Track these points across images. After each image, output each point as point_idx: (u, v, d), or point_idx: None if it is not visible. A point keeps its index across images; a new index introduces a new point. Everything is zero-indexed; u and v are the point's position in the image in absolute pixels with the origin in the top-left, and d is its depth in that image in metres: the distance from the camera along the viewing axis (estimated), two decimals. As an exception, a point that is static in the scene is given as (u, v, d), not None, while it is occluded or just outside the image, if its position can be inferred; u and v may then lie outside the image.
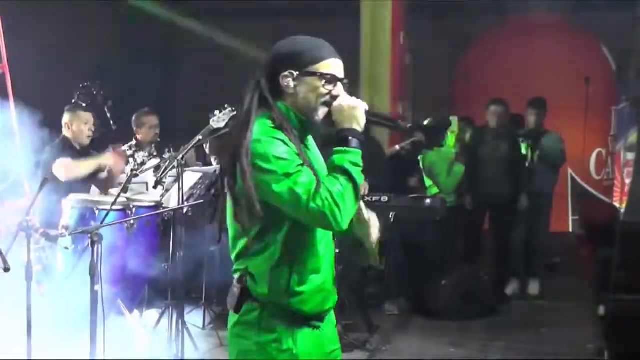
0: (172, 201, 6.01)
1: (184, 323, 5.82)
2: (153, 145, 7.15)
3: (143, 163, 6.05)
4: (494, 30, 11.02)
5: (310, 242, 2.76)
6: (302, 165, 2.59)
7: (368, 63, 9.51)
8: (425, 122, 8.20)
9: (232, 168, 2.64)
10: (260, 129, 2.64)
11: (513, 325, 7.39)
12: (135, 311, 6.49)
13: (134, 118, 7.31)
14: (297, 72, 2.68)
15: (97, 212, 5.98)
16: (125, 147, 7.12)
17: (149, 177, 6.24)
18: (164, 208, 6.06)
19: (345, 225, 2.57)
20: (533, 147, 8.39)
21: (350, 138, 2.64)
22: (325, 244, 2.83)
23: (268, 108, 2.70)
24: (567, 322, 7.36)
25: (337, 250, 6.76)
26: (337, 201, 2.53)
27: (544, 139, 8.44)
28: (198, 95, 9.17)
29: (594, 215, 9.11)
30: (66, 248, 5.54)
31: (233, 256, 2.81)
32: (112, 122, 7.56)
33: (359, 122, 2.68)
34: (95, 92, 7.32)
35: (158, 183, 5.90)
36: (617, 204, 6.64)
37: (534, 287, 8.55)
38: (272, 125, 2.66)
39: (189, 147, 5.94)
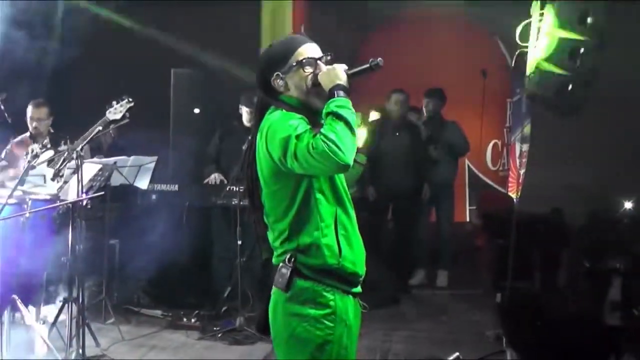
0: (70, 193, 5.90)
1: (84, 318, 5.74)
2: (47, 137, 6.97)
3: (37, 155, 5.91)
4: (393, 22, 11.16)
5: (344, 206, 3.09)
6: (307, 129, 2.90)
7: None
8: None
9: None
10: (274, 116, 3.02)
11: (416, 314, 7.56)
12: (32, 307, 6.36)
13: (27, 109, 7.10)
14: (281, 72, 3.08)
15: (-10, 205, 5.83)
16: (18, 139, 6.96)
17: (47, 169, 6.12)
18: (61, 200, 5.95)
19: (350, 160, 2.84)
20: (433, 137, 8.57)
21: (335, 91, 2.98)
22: (352, 210, 3.14)
23: (275, 104, 3.09)
24: (469, 311, 7.55)
25: (239, 242, 6.84)
26: (333, 140, 2.81)
27: (444, 128, 8.63)
28: (97, 85, 8.96)
29: (489, 205, 9.35)
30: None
31: (276, 241, 3.06)
32: (6, 115, 7.36)
33: (340, 78, 3.02)
34: None
35: (56, 175, 5.79)
36: (512, 195, 6.82)
37: (442, 279, 8.72)
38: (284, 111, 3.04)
39: (88, 139, 5.85)
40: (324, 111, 2.94)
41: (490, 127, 10.22)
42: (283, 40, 3.19)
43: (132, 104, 6.11)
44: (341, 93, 2.98)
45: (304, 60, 3.08)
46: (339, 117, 2.88)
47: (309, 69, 3.09)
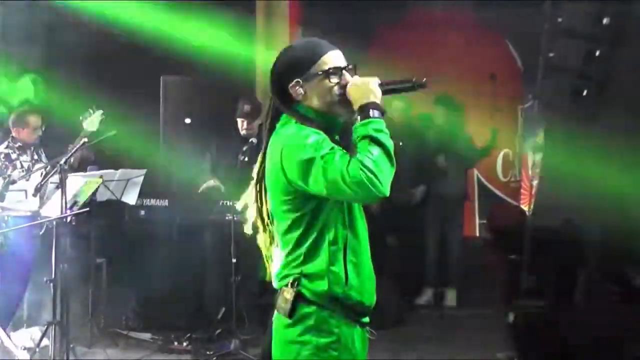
0: (53, 209, 5.90)
1: (68, 342, 5.73)
2: (32, 148, 6.89)
3: (29, 169, 5.91)
4: (397, 23, 11.17)
5: (356, 230, 3.04)
6: (332, 148, 2.84)
7: (263, 58, 9.51)
8: None
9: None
10: (288, 131, 2.95)
11: (422, 335, 7.53)
12: (12, 331, 6.37)
13: (13, 117, 6.88)
14: (302, 79, 2.99)
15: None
16: (2, 148, 6.83)
17: (28, 184, 6.12)
18: (43, 217, 5.95)
19: (386, 191, 2.78)
20: (441, 146, 8.55)
21: (370, 110, 2.90)
22: (365, 233, 3.10)
23: (289, 113, 3.02)
24: (479, 332, 7.53)
25: (234, 260, 6.83)
26: (371, 168, 2.74)
27: (453, 137, 8.61)
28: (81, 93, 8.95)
29: (501, 219, 9.34)
30: None
31: (283, 263, 3.00)
32: None
33: (375, 95, 2.95)
34: None
35: (38, 190, 5.79)
36: (524, 207, 6.83)
37: (451, 298, 8.68)
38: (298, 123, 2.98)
39: (73, 151, 5.85)
40: (359, 133, 2.86)
41: (501, 135, 10.20)
42: (305, 44, 3.10)
43: (103, 117, 6.17)
44: (376, 113, 2.89)
45: (330, 70, 2.99)
46: (378, 142, 2.82)
47: (334, 79, 3.00)
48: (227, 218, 6.84)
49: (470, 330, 7.64)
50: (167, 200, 7.61)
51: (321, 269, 2.92)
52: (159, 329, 7.29)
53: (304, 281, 2.94)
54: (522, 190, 7.39)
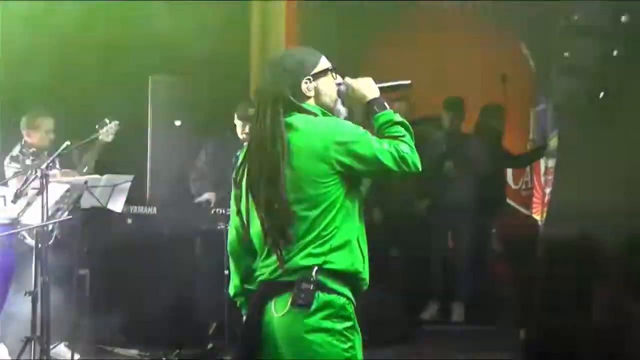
0: (34, 217, 5.88)
1: (48, 359, 5.70)
2: (46, 153, 6.84)
3: (46, 175, 5.89)
4: (401, 23, 11.17)
5: (363, 220, 3.44)
6: None
7: (258, 57, 9.49)
8: None
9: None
10: (321, 121, 3.30)
11: (429, 352, 7.51)
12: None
13: (24, 120, 6.96)
14: (311, 76, 3.36)
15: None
16: (15, 152, 6.82)
17: (6, 189, 6.10)
18: (22, 226, 5.93)
19: (420, 167, 3.28)
20: (450, 152, 8.49)
21: (384, 103, 3.43)
22: None
23: (298, 111, 3.32)
24: (488, 349, 7.49)
25: (226, 272, 6.81)
26: (412, 147, 3.28)
27: (463, 143, 8.56)
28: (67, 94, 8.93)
29: (511, 229, 9.32)
30: None
31: (305, 242, 3.21)
32: None
33: (377, 91, 3.46)
34: None
35: (18, 196, 5.77)
36: (536, 217, 6.81)
37: (458, 313, 8.64)
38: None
39: (54, 156, 5.84)
40: (387, 119, 3.36)
41: (511, 139, 10.18)
42: (303, 49, 3.53)
43: (119, 128, 6.29)
44: (387, 106, 3.43)
45: (330, 69, 3.42)
46: (406, 127, 3.35)
47: (335, 77, 3.45)
48: (219, 227, 6.81)
49: (479, 348, 7.60)
50: (155, 208, 7.59)
51: (350, 241, 3.26)
52: (146, 345, 7.27)
53: (330, 258, 3.19)
54: (534, 199, 7.37)
